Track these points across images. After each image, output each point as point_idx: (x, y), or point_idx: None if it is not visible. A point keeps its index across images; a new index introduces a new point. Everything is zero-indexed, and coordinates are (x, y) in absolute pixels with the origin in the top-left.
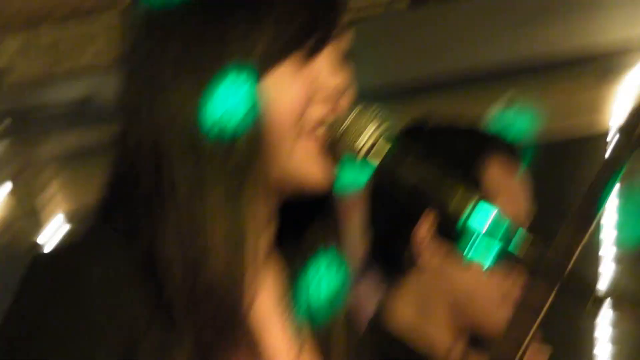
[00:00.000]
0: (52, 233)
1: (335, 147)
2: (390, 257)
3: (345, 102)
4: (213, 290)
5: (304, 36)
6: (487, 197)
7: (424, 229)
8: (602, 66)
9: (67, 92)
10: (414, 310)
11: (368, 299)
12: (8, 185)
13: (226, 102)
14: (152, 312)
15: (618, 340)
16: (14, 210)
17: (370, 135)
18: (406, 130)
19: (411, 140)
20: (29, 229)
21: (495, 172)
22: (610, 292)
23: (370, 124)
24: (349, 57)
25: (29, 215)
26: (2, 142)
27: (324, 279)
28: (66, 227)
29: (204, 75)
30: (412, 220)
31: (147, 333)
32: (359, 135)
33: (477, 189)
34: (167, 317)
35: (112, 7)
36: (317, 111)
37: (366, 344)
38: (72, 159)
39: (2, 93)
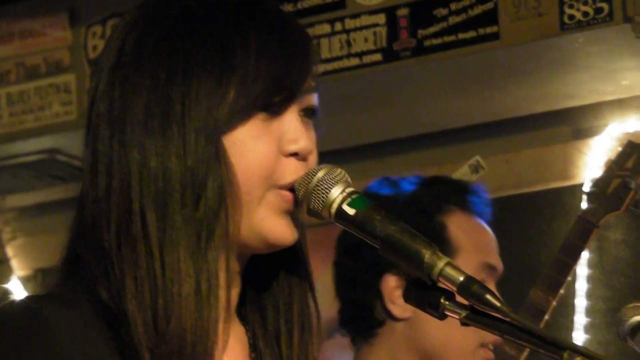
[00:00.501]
0: (20, 282)
1: (305, 203)
2: (361, 314)
3: (310, 161)
4: (180, 343)
5: (269, 95)
6: (452, 248)
7: (391, 282)
8: (573, 122)
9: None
10: None
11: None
12: None
13: (193, 158)
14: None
15: None
16: None
17: (340, 192)
18: (366, 189)
19: (379, 198)
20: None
21: (460, 224)
22: (581, 354)
23: (338, 183)
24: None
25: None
26: None
27: (288, 331)
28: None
29: (170, 133)
30: (378, 275)
31: None
32: (329, 192)
33: (442, 241)
34: None
35: (76, 65)
36: (283, 169)
37: None
38: (34, 215)
39: None
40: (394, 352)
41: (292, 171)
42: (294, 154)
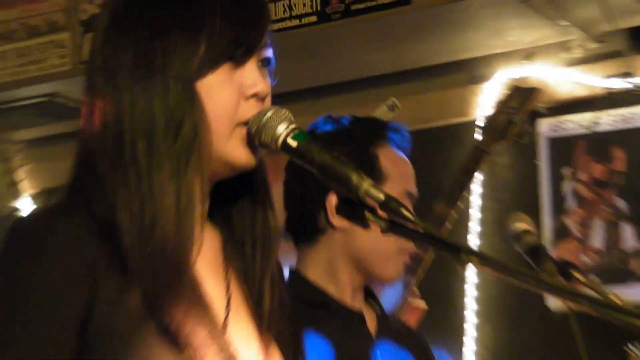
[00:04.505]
0: (27, 202)
1: (257, 137)
2: (305, 224)
3: (266, 102)
4: (165, 247)
5: (231, 50)
6: (382, 176)
7: (333, 200)
8: (470, 70)
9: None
10: (324, 268)
11: (285, 258)
12: None
13: (172, 100)
14: (110, 262)
15: (480, 294)
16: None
17: (285, 128)
18: (313, 124)
19: (317, 132)
20: (9, 198)
21: (388, 156)
22: (474, 254)
23: (284, 121)
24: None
25: (9, 186)
26: None
27: (251, 237)
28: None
29: (153, 79)
30: (323, 194)
31: (106, 278)
32: (276, 128)
33: (374, 169)
34: (122, 267)
35: (70, 25)
36: (244, 109)
37: (289, 290)
38: (39, 146)
39: None
40: (331, 254)
41: (251, 110)
42: (254, 96)
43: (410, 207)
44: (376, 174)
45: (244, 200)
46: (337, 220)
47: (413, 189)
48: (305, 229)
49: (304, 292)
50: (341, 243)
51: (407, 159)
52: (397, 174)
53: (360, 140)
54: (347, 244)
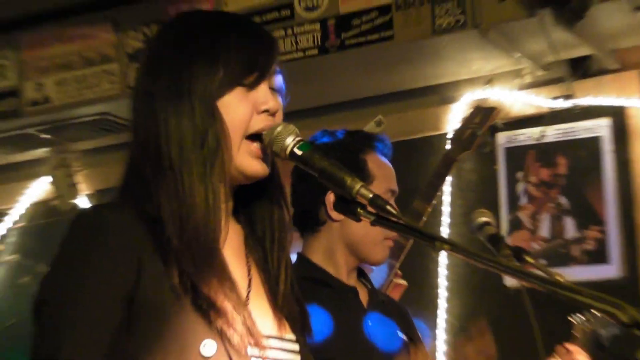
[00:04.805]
0: (84, 201)
1: (269, 147)
2: (309, 217)
3: (277, 117)
4: (197, 235)
5: (245, 74)
6: (370, 177)
7: (331, 198)
8: (441, 93)
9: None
10: (324, 252)
11: (292, 246)
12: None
13: (198, 117)
14: (153, 248)
15: (450, 274)
16: (59, 186)
17: (292, 140)
18: (313, 137)
19: (317, 143)
20: (69, 197)
21: (375, 162)
22: (446, 242)
23: (291, 135)
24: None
25: (69, 187)
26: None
27: (271, 234)
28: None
29: (182, 101)
30: (323, 193)
31: (150, 261)
32: (285, 140)
33: (363, 172)
34: (163, 253)
35: (119, 57)
36: (256, 122)
37: (297, 270)
38: (93, 155)
39: (46, 113)
40: (330, 242)
41: (260, 122)
42: (265, 111)
43: (392, 202)
44: (365, 176)
45: (263, 201)
46: (334, 215)
47: (395, 187)
48: (309, 221)
49: (309, 272)
50: (338, 233)
51: (389, 163)
52: (382, 175)
53: (352, 149)
54: (343, 233)
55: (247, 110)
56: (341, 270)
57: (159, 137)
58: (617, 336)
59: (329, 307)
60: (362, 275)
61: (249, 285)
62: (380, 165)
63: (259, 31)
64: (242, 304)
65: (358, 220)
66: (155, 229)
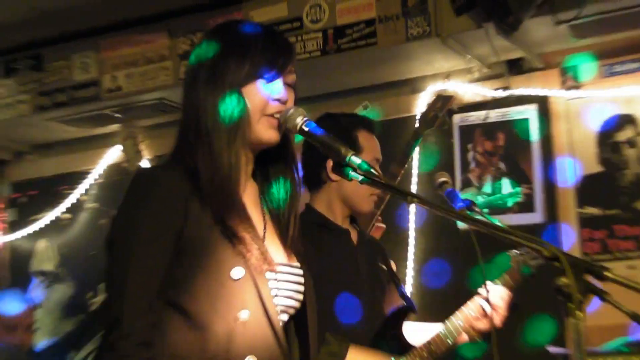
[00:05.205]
0: (146, 162)
1: (284, 124)
2: (314, 178)
3: (288, 104)
4: (223, 184)
5: (266, 69)
6: (360, 149)
7: (330, 163)
8: (412, 85)
9: (149, 97)
10: (325, 204)
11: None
12: (118, 148)
13: (227, 100)
14: (195, 194)
15: (416, 219)
16: (127, 152)
17: (301, 119)
18: (319, 118)
19: (321, 122)
20: (136, 160)
21: (364, 137)
22: (415, 196)
23: (300, 115)
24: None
25: (136, 153)
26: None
27: (283, 191)
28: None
29: (216, 87)
30: (324, 159)
31: (192, 202)
32: (296, 120)
33: (355, 145)
34: (201, 197)
35: (172, 57)
36: (270, 107)
37: (305, 216)
38: (152, 129)
39: (118, 99)
40: (330, 196)
41: (273, 108)
42: (278, 99)
43: (377, 167)
44: (356, 147)
45: (279, 165)
46: (333, 176)
47: (379, 156)
48: (314, 181)
49: (314, 218)
50: (335, 190)
51: (375, 138)
52: (369, 147)
53: (348, 127)
54: (339, 190)
55: (264, 97)
56: (338, 217)
57: (199, 113)
58: (542, 266)
59: (328, 245)
60: (353, 220)
61: (265, 228)
62: (368, 139)
63: (281, 38)
64: (257, 236)
65: (350, 180)
66: (195, 180)
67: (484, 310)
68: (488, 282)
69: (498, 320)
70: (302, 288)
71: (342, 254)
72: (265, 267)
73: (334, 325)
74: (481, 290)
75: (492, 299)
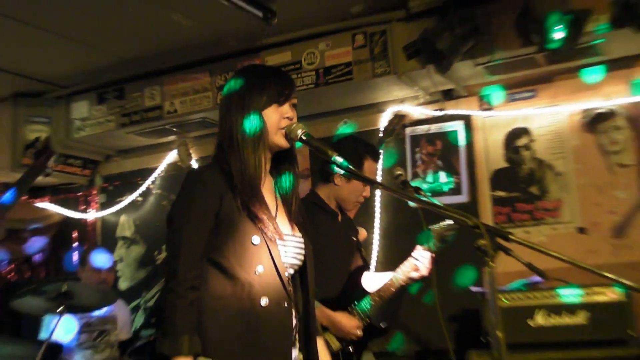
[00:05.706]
0: (195, 163)
1: (289, 134)
2: (323, 175)
3: (293, 120)
4: (250, 182)
5: (278, 98)
6: (362, 170)
7: (339, 174)
8: (377, 107)
9: (196, 117)
10: (325, 194)
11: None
12: (174, 152)
13: (251, 120)
14: (228, 188)
15: (382, 199)
16: (181, 155)
17: (301, 131)
18: (345, 137)
19: (344, 140)
20: (187, 161)
21: (368, 163)
22: (379, 184)
23: (301, 128)
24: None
25: (187, 156)
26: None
27: (289, 181)
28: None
29: (244, 111)
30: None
31: (226, 193)
32: (297, 131)
33: (360, 167)
34: (233, 190)
35: (212, 89)
36: (283, 123)
37: (310, 198)
38: (199, 139)
39: (174, 118)
40: (329, 192)
41: (285, 123)
42: (287, 118)
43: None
44: (360, 168)
45: (286, 164)
46: (337, 181)
47: (375, 178)
48: (323, 176)
49: (317, 201)
50: (335, 190)
51: (376, 164)
52: (369, 171)
53: (360, 153)
54: (337, 191)
55: (278, 117)
56: (331, 204)
57: (232, 129)
58: (454, 235)
59: (324, 222)
60: (340, 208)
61: (277, 209)
62: (370, 165)
63: (287, 75)
64: (271, 217)
65: (332, 175)
66: (229, 178)
67: (415, 265)
68: (418, 246)
69: (425, 271)
70: (303, 251)
71: (331, 228)
72: (277, 236)
73: (324, 276)
74: (414, 252)
75: (420, 258)
